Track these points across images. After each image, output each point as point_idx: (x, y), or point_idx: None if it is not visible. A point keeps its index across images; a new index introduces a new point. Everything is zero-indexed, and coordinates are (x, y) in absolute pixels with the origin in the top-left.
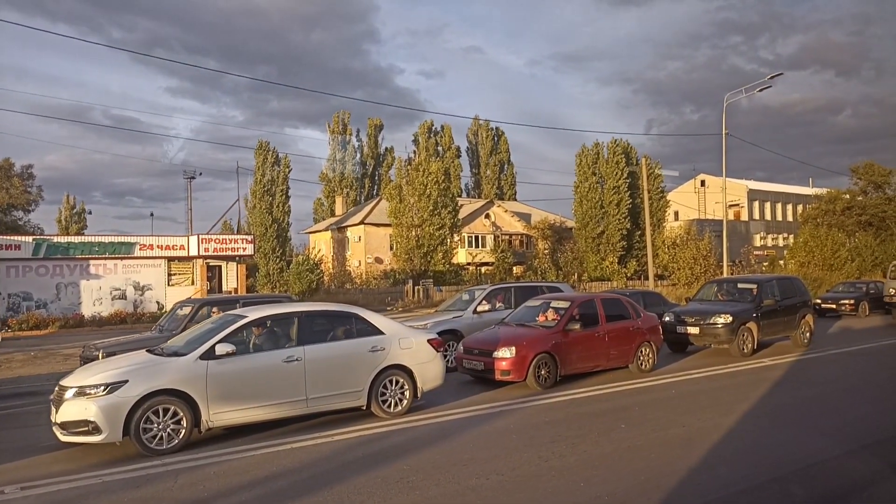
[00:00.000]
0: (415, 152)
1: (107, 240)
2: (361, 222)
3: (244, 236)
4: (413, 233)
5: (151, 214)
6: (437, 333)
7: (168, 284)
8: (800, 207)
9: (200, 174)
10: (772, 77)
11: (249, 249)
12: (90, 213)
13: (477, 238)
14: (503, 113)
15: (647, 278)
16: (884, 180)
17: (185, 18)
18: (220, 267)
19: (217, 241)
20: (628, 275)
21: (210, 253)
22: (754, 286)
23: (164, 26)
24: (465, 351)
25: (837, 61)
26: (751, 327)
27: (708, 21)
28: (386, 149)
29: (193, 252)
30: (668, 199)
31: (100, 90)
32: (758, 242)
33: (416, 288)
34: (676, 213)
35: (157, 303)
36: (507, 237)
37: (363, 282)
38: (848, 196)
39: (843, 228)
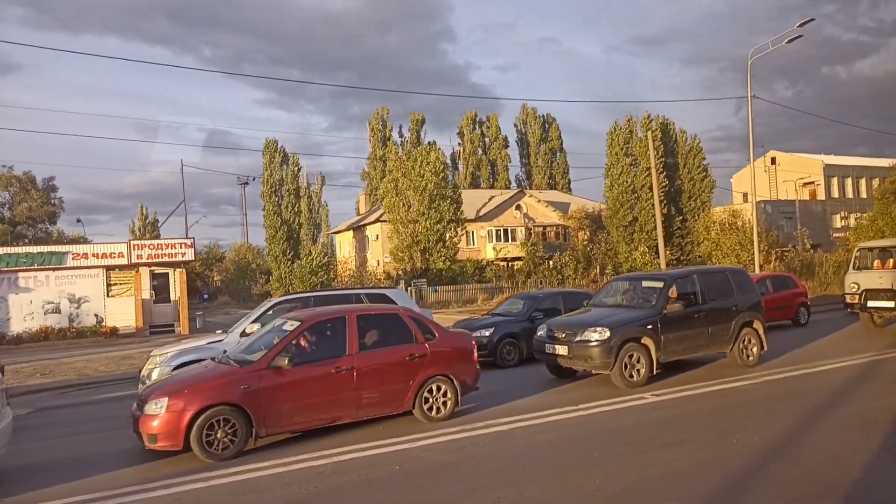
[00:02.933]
0: (460, 144)
1: (35, 250)
2: (378, 220)
3: (183, 240)
4: (409, 229)
5: (204, 217)
6: (175, 367)
7: (107, 295)
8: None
9: (254, 179)
10: (801, 25)
11: (189, 255)
12: (161, 223)
13: (506, 231)
14: (579, 102)
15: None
16: None
17: (269, 32)
18: (167, 274)
19: (152, 246)
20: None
21: (145, 260)
22: (659, 284)
23: (250, 41)
24: (138, 405)
25: None
26: (646, 344)
27: None
28: (429, 143)
29: (133, 259)
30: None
31: (193, 105)
32: (838, 223)
33: (409, 289)
34: (745, 196)
35: (96, 315)
36: (542, 229)
37: (376, 282)
38: None
39: None
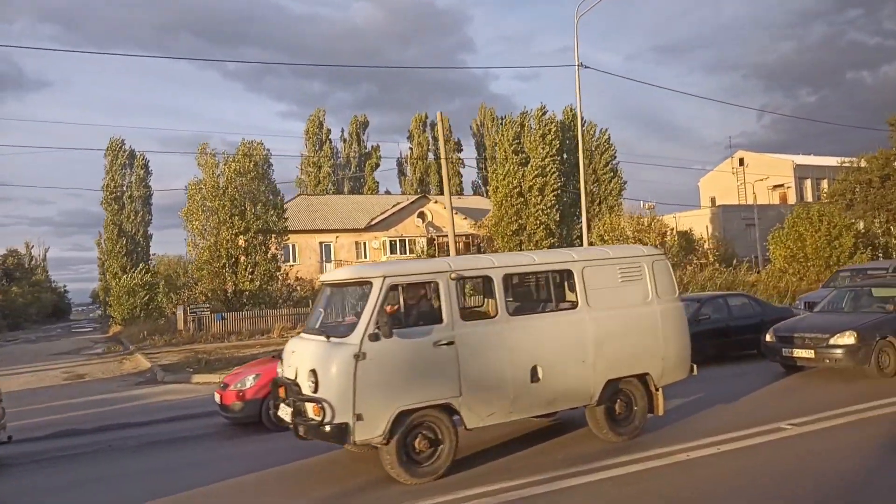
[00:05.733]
0: (411, 149)
1: None
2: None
3: None
4: (209, 241)
5: None
6: None
7: None
8: None
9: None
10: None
11: None
12: None
13: (402, 242)
14: (599, 111)
15: None
16: None
17: (292, 46)
18: None
19: None
20: None
21: None
22: None
23: (274, 55)
24: None
25: None
26: None
27: None
28: (372, 147)
29: None
30: (700, 184)
31: (216, 118)
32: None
33: (189, 317)
34: (713, 200)
35: None
36: (445, 239)
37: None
38: (878, 160)
39: (886, 207)
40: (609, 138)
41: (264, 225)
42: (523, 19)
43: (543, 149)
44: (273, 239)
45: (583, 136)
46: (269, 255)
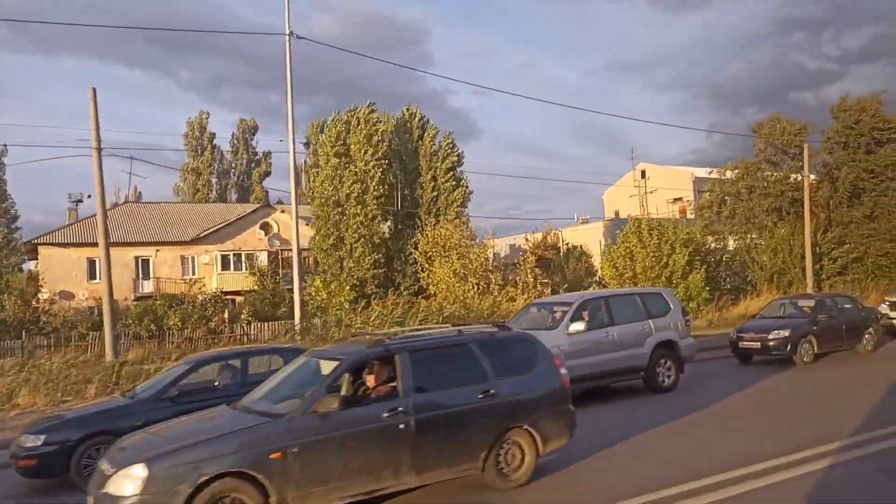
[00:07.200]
0: (306, 158)
1: None
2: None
3: None
4: None
5: None
6: None
7: None
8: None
9: (89, 196)
10: None
11: None
12: None
13: (238, 256)
14: (553, 126)
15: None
16: (789, 142)
17: (249, 56)
18: None
19: None
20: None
21: None
22: None
23: (230, 65)
24: None
25: None
26: None
27: (769, 20)
28: (263, 153)
29: None
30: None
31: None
32: (711, 246)
33: None
34: (617, 213)
35: None
36: (289, 253)
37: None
38: (739, 171)
39: (752, 221)
40: (452, 143)
41: None
42: (483, 36)
43: (367, 151)
44: None
45: (430, 154)
46: None
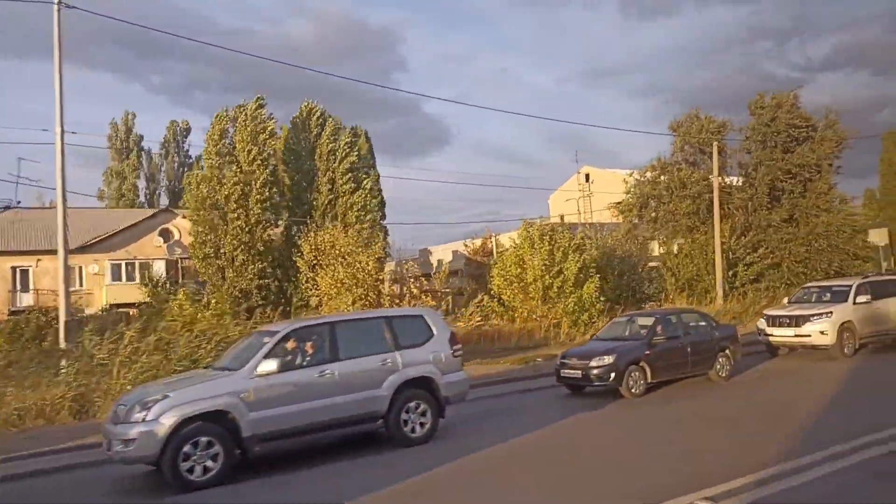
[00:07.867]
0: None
1: None
2: None
3: None
4: None
5: None
6: None
7: None
8: None
9: (19, 202)
10: None
11: None
12: None
13: (130, 266)
14: (531, 130)
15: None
16: (707, 140)
17: (222, 60)
18: None
19: None
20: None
21: None
22: None
23: (203, 69)
24: None
25: (874, 60)
26: None
27: (737, 28)
28: (196, 157)
29: None
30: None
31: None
32: (657, 251)
33: None
34: (562, 217)
35: None
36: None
37: None
38: (654, 172)
39: (674, 224)
40: (354, 143)
41: None
42: (460, 41)
43: (252, 150)
44: None
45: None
46: None
